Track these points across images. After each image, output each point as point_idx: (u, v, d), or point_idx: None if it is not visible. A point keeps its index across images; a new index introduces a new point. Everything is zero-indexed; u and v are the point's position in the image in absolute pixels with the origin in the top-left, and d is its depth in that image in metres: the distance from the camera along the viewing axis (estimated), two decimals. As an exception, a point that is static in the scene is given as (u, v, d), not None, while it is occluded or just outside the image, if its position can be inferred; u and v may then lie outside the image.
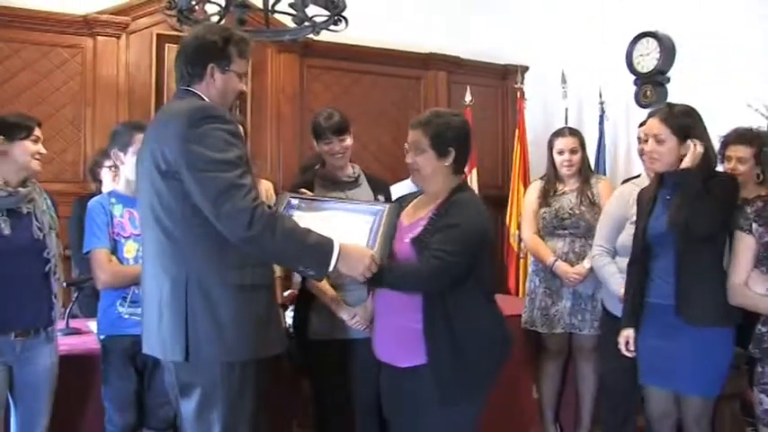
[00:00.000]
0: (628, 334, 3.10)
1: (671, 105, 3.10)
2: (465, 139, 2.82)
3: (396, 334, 2.74)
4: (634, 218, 3.39)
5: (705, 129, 2.99)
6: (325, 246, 2.35)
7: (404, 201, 2.98)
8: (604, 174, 5.31)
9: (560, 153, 4.07)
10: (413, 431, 2.77)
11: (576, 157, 4.06)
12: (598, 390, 3.99)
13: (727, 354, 2.93)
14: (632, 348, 3.08)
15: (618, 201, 3.67)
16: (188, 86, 2.47)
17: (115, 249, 3.09)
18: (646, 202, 3.14)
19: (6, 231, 2.82)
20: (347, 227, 2.63)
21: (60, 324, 3.48)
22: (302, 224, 2.44)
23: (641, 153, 3.63)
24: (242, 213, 2.22)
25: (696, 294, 2.91)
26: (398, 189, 3.60)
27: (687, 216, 2.85)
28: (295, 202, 2.78)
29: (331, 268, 2.36)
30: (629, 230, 3.41)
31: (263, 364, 2.44)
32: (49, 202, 3.03)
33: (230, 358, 2.34)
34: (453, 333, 2.63)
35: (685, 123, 2.96)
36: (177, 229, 2.33)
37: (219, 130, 2.29)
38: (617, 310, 3.43)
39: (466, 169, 3.03)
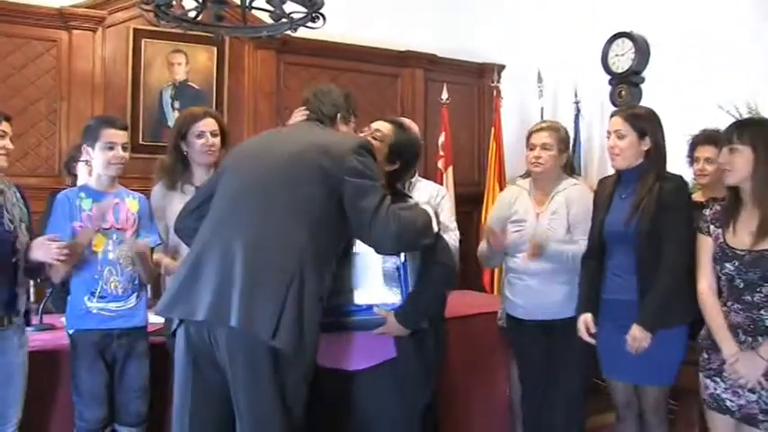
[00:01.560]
0: (586, 318, 3.21)
1: (632, 106, 3.36)
2: (413, 161, 3.00)
3: (355, 336, 2.76)
4: (514, 217, 3.56)
5: (661, 129, 3.18)
6: (429, 219, 2.66)
7: None
8: (579, 173, 5.35)
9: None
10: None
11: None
12: None
13: (682, 347, 3.10)
14: (593, 331, 3.19)
15: (500, 202, 3.80)
16: (319, 122, 2.80)
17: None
18: (603, 199, 3.25)
19: None
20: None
21: (34, 320, 3.47)
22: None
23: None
24: (392, 217, 2.50)
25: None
26: None
27: (649, 226, 3.03)
28: None
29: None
30: (510, 230, 3.55)
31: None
32: (18, 194, 3.00)
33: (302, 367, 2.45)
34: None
35: (644, 121, 3.15)
36: (306, 226, 2.47)
37: (374, 161, 2.62)
38: (514, 310, 3.56)
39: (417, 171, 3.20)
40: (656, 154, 3.14)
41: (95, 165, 3.17)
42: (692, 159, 3.62)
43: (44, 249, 2.85)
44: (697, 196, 3.55)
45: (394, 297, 2.70)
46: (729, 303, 2.82)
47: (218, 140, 3.38)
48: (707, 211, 2.94)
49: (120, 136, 3.17)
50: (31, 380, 2.98)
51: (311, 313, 2.44)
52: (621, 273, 3.13)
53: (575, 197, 3.46)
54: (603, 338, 3.20)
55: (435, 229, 2.67)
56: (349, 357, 2.77)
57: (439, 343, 3.05)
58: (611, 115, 3.26)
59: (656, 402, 3.17)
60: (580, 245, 3.35)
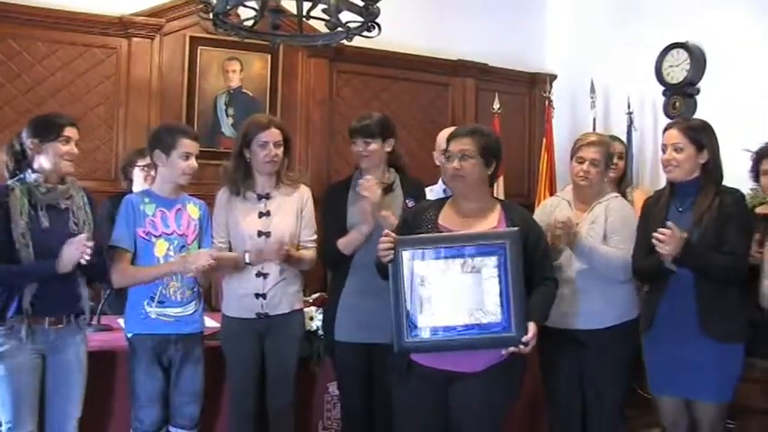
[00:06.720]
0: None
1: (686, 118, 3.36)
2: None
3: None
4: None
5: (717, 141, 3.14)
6: None
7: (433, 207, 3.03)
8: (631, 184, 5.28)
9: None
10: None
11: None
12: None
13: (739, 364, 3.09)
14: None
15: (541, 210, 3.68)
16: None
17: (146, 248, 3.16)
18: (657, 212, 3.19)
19: (46, 224, 2.91)
20: (470, 287, 2.72)
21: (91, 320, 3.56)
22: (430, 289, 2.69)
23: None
24: None
25: (718, 310, 3.02)
26: (429, 194, 3.63)
27: (713, 240, 3.00)
28: (408, 253, 2.74)
29: None
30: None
31: None
32: (85, 198, 3.10)
33: None
34: None
35: (701, 134, 3.12)
36: None
37: None
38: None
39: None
40: (714, 166, 3.11)
41: (166, 172, 3.23)
42: (758, 173, 3.55)
43: (74, 245, 2.87)
44: (762, 209, 3.49)
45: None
46: None
47: (280, 151, 3.38)
48: None
49: (196, 146, 3.25)
50: (88, 380, 3.05)
51: None
52: (680, 285, 3.08)
53: (613, 207, 3.39)
54: (654, 353, 3.16)
55: None
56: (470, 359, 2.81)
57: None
58: (666, 128, 3.23)
59: (713, 420, 3.10)
60: (622, 250, 3.27)
